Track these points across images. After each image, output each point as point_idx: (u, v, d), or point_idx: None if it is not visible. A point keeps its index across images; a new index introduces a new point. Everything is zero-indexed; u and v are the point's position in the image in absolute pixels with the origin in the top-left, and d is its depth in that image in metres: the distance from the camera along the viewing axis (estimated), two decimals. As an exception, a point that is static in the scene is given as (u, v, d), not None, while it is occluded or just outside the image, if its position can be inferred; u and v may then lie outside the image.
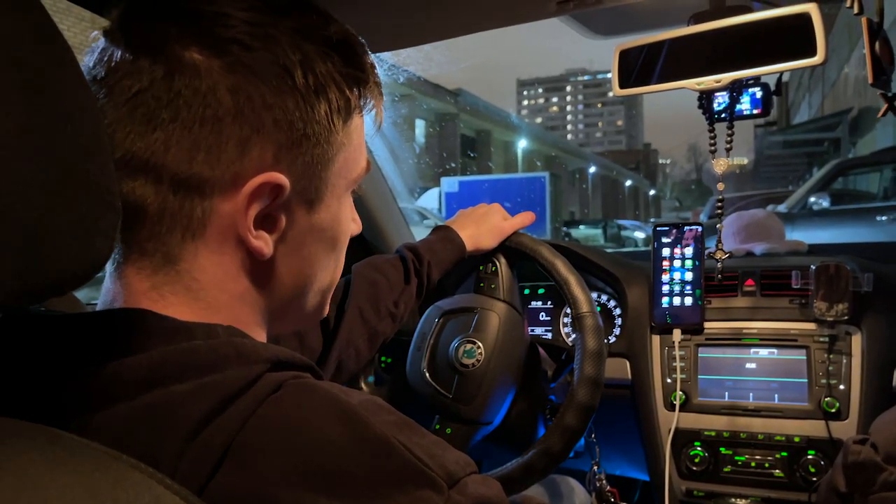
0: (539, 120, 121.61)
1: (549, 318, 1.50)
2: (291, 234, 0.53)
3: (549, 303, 1.50)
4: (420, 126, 21.20)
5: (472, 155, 24.86)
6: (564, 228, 21.40)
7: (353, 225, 0.63)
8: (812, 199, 6.68)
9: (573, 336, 1.25)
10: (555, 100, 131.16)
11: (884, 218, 6.32)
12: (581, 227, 23.71)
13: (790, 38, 0.93)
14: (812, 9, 0.91)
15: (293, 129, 0.49)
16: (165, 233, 0.48)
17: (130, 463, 0.37)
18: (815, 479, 1.16)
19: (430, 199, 15.38)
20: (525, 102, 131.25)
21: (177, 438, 0.40)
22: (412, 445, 0.44)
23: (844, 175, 7.65)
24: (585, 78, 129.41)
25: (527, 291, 1.52)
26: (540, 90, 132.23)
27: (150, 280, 0.49)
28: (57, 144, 0.34)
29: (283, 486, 0.40)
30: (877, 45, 0.86)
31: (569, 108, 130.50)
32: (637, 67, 1.06)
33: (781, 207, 6.94)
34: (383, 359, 1.33)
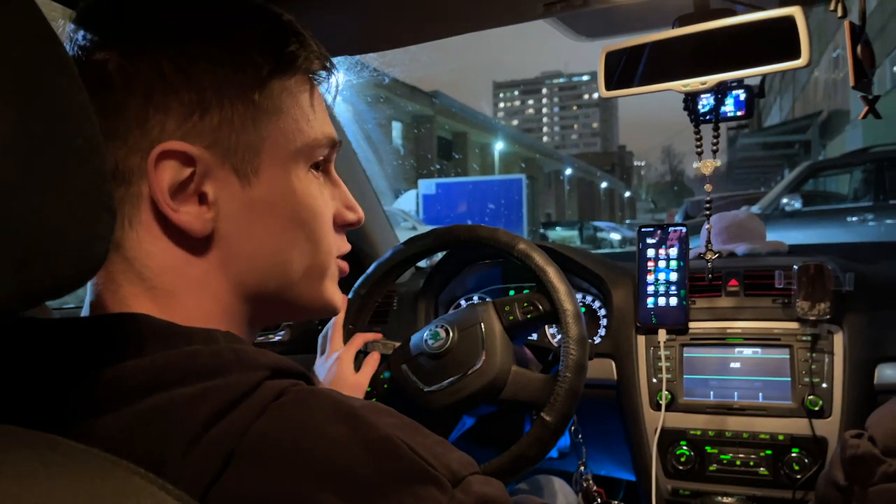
0: (515, 122, 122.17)
1: None
2: (230, 209, 0.51)
3: None
4: (397, 128, 21.19)
5: (450, 157, 24.92)
6: (541, 230, 21.54)
7: (343, 210, 0.61)
8: (784, 201, 6.80)
9: (559, 337, 1.25)
10: (531, 102, 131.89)
11: (854, 219, 6.45)
12: (558, 228, 23.90)
13: (775, 40, 0.94)
14: (796, 12, 0.92)
15: (193, 98, 0.49)
16: None
17: (131, 469, 0.36)
18: (798, 476, 1.18)
19: (408, 202, 15.38)
20: (501, 105, 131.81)
21: (180, 442, 0.40)
22: (416, 445, 0.45)
23: (815, 177, 7.80)
24: (561, 80, 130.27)
25: (512, 293, 1.52)
26: (516, 92, 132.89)
27: (104, 270, 0.49)
28: (53, 146, 0.34)
29: (290, 487, 0.40)
30: (859, 48, 0.88)
31: (545, 110, 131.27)
32: (623, 69, 1.07)
33: (755, 208, 7.05)
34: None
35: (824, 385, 1.20)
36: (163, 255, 0.50)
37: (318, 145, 0.56)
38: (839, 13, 0.89)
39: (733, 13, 1.00)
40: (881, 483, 0.35)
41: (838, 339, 1.22)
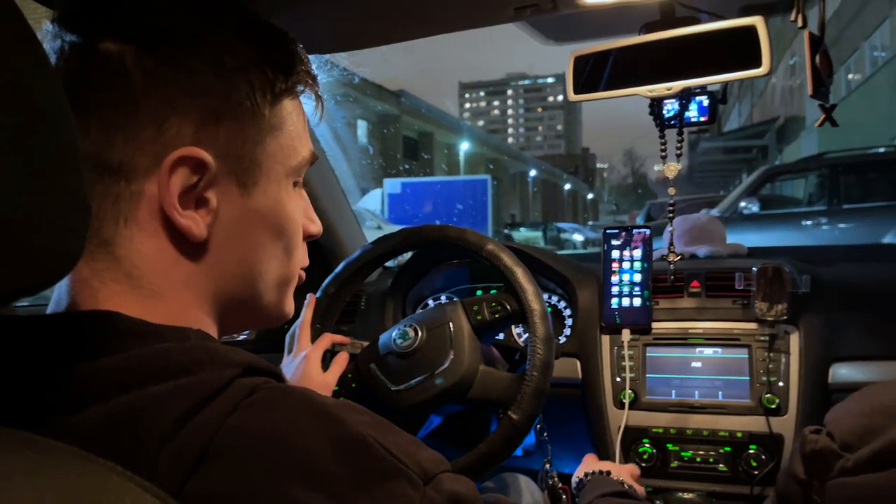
0: (481, 123, 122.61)
1: None
2: (227, 217, 0.53)
3: None
4: (362, 127, 21.11)
5: (417, 156, 24.91)
6: (506, 231, 21.68)
7: (308, 222, 0.63)
8: (743, 204, 6.95)
9: (525, 336, 1.27)
10: (496, 103, 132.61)
11: (809, 222, 6.63)
12: (522, 229, 24.09)
13: (737, 49, 0.97)
14: (758, 22, 0.95)
15: (211, 106, 0.50)
16: (98, 218, 0.49)
17: (107, 466, 0.36)
18: (756, 472, 1.21)
19: (373, 200, 15.33)
20: (467, 105, 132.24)
21: (154, 439, 0.41)
22: (388, 444, 0.46)
23: (772, 181, 8.00)
24: (526, 82, 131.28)
25: (479, 293, 1.54)
26: (482, 93, 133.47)
27: (88, 267, 0.49)
28: (34, 144, 0.34)
29: (265, 482, 0.41)
30: (817, 57, 0.91)
31: (510, 111, 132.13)
32: (591, 74, 1.09)
33: (714, 211, 7.20)
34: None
35: (781, 384, 1.24)
36: (154, 254, 0.50)
37: (305, 163, 0.59)
38: (799, 24, 0.92)
39: (698, 21, 1.03)
40: (839, 477, 0.37)
41: (794, 340, 1.25)
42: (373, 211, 14.12)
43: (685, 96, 1.10)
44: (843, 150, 7.45)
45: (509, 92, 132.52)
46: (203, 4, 0.52)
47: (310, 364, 1.10)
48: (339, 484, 0.42)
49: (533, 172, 43.46)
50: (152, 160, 0.48)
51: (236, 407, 0.43)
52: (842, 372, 1.22)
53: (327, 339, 1.15)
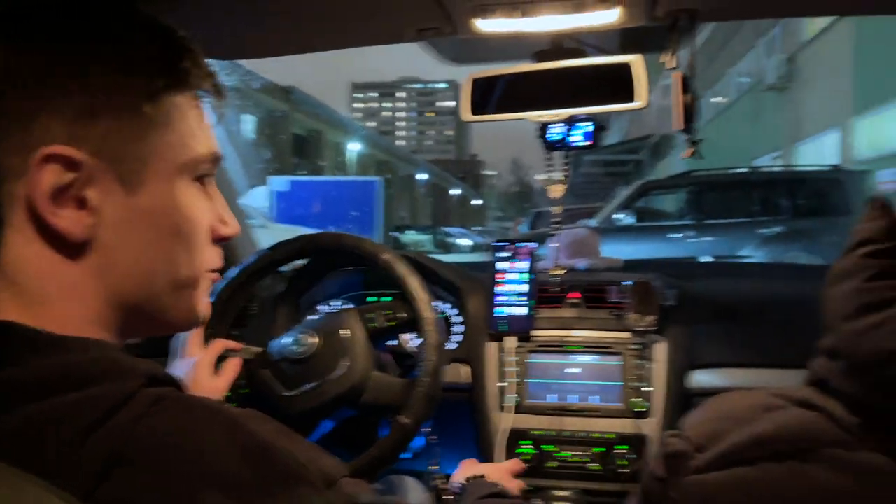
0: (372, 124, 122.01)
1: None
2: (113, 217, 0.51)
3: None
4: (250, 122, 20.46)
5: (306, 154, 24.41)
6: (394, 233, 21.68)
7: (219, 224, 0.61)
8: (618, 216, 7.35)
9: (417, 342, 1.30)
10: (388, 105, 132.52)
11: (678, 235, 7.13)
12: (410, 232, 24.17)
13: (618, 83, 1.07)
14: (636, 59, 1.05)
15: (86, 103, 0.49)
16: None
17: (22, 475, 0.37)
18: (624, 470, 1.32)
19: (259, 198, 14.88)
20: (359, 105, 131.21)
21: (58, 450, 0.41)
22: (292, 451, 0.48)
23: (646, 195, 8.51)
24: (418, 86, 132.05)
25: (373, 299, 1.56)
26: (374, 94, 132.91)
27: None
28: None
29: (175, 488, 0.42)
30: (687, 97, 1.02)
31: (402, 114, 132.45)
32: (485, 96, 1.15)
33: (592, 222, 7.57)
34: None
35: (648, 389, 1.35)
36: (37, 258, 0.49)
37: (202, 160, 0.57)
38: (669, 65, 1.03)
39: (584, 54, 1.12)
40: (692, 475, 0.43)
41: (661, 349, 1.37)
42: (258, 208, 13.71)
43: (571, 122, 1.18)
44: (708, 169, 8.04)
45: (401, 94, 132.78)
46: (76, 1, 0.51)
47: (200, 370, 1.09)
48: (247, 489, 0.44)
49: (423, 176, 43.78)
50: (22, 160, 0.47)
51: (142, 417, 0.43)
52: (699, 378, 1.35)
53: (220, 345, 1.14)
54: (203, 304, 0.61)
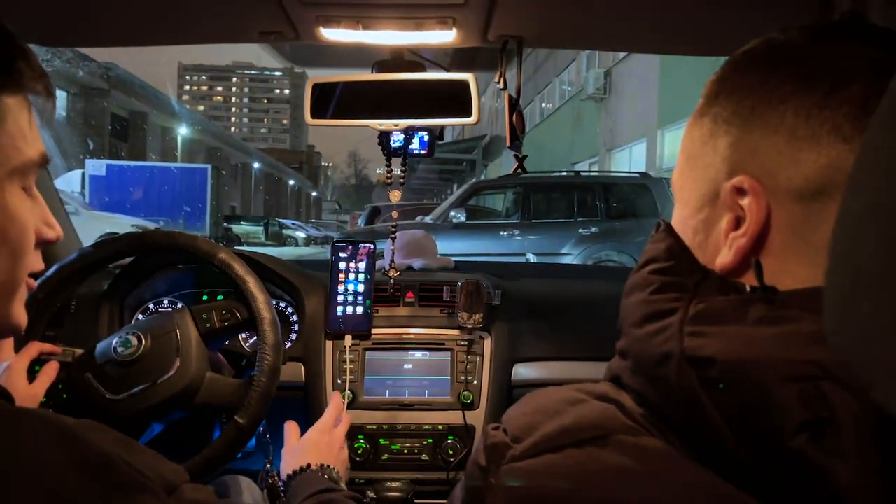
0: (202, 108, 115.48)
1: None
2: None
3: None
4: (61, 98, 18.56)
5: (127, 137, 22.58)
6: (225, 224, 20.77)
7: (44, 228, 0.60)
8: (452, 213, 7.61)
9: (251, 341, 1.30)
10: (220, 89, 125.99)
11: (506, 233, 7.51)
12: (242, 222, 23.32)
13: (453, 98, 1.14)
14: (470, 78, 1.12)
15: None
16: None
17: None
18: (452, 459, 1.41)
19: (71, 182, 13.61)
20: (187, 88, 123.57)
21: None
22: (132, 461, 0.49)
23: (478, 194, 8.87)
24: (252, 73, 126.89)
25: (205, 297, 1.53)
26: (204, 77, 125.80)
27: None
28: None
29: None
30: (514, 116, 1.11)
31: (234, 99, 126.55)
32: (327, 100, 1.18)
33: (428, 218, 7.78)
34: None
35: (475, 382, 1.45)
36: None
37: (33, 164, 0.56)
38: (501, 85, 1.12)
39: (423, 68, 1.18)
40: (510, 463, 0.49)
41: (487, 344, 1.48)
42: (70, 193, 12.52)
43: (409, 131, 1.24)
44: (534, 171, 8.54)
45: (234, 80, 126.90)
46: None
47: (13, 375, 1.02)
48: (90, 503, 0.44)
49: (256, 165, 42.23)
50: None
51: None
52: (521, 371, 1.47)
53: (34, 349, 1.07)
54: (20, 310, 0.59)
